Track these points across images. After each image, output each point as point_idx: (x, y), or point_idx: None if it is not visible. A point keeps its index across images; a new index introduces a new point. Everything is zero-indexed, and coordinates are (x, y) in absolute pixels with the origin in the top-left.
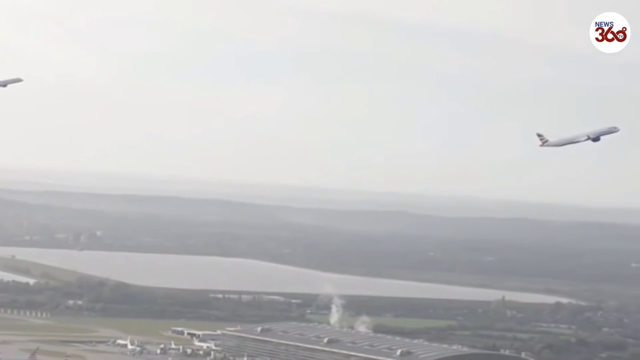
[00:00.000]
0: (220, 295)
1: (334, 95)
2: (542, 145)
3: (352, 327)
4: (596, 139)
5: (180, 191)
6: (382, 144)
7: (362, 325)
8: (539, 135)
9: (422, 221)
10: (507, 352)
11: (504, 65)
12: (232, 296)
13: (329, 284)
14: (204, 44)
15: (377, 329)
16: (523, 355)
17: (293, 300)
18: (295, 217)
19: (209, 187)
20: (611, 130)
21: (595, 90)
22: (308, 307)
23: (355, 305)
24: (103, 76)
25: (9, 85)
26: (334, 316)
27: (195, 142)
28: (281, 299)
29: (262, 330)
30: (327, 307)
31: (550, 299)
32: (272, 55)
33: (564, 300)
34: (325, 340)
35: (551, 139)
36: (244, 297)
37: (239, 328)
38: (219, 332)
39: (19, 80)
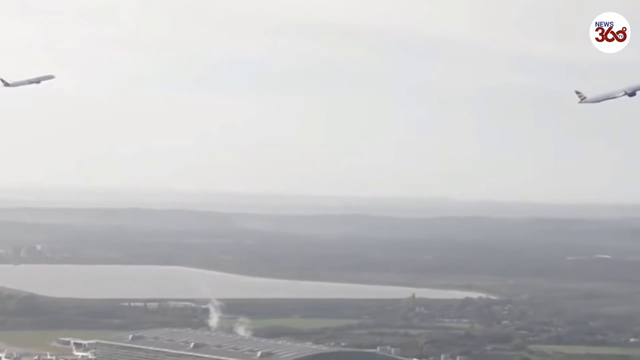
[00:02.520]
0: (126, 304)
1: (303, 105)
2: (580, 102)
3: (232, 330)
4: (632, 94)
5: (145, 203)
6: (347, 150)
7: (241, 327)
8: (577, 92)
9: (380, 224)
10: (378, 350)
11: (470, 71)
12: (138, 304)
13: (251, 288)
14: (182, 58)
15: (275, 331)
16: (391, 351)
17: (203, 306)
18: (252, 224)
19: (176, 198)
20: None
21: (558, 94)
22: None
23: (264, 308)
24: (79, 93)
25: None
26: (214, 320)
27: (165, 154)
28: (192, 305)
29: (133, 338)
30: (233, 312)
31: (462, 295)
32: (243, 69)
33: (476, 295)
34: (192, 345)
35: (589, 95)
36: (150, 305)
37: (113, 336)
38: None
39: (51, 77)
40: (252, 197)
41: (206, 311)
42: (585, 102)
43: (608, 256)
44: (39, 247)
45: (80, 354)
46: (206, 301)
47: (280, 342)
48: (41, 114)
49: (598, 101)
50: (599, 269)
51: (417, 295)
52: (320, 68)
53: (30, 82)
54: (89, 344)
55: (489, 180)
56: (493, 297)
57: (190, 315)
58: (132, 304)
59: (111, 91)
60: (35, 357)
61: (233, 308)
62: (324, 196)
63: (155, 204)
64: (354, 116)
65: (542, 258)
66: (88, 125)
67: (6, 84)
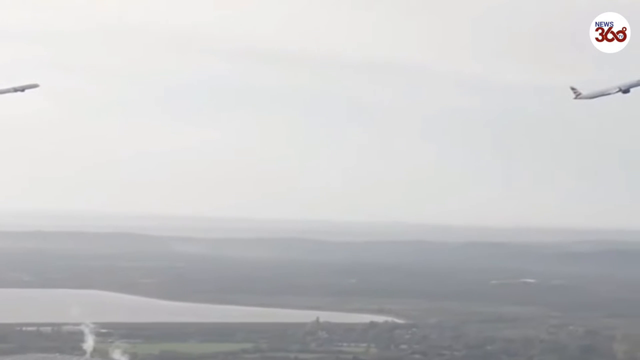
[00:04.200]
0: (19, 328)
1: (250, 129)
2: (575, 98)
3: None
4: (626, 90)
5: (80, 225)
6: (291, 174)
7: (117, 351)
8: (572, 88)
9: (315, 247)
10: None
11: (417, 94)
12: (31, 328)
13: (159, 312)
14: (127, 84)
15: (163, 356)
16: None
17: (102, 330)
18: (187, 247)
19: (114, 221)
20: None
21: (507, 117)
22: (110, 336)
23: (163, 332)
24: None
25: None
26: (89, 344)
27: (106, 177)
28: (84, 329)
29: None
30: (131, 336)
31: (370, 318)
32: (189, 93)
33: (383, 319)
34: None
35: (584, 92)
36: (44, 329)
37: None
38: None
39: (36, 85)
40: (191, 219)
41: (99, 335)
42: (580, 98)
43: (533, 280)
44: None
45: None
46: (105, 325)
47: None
48: None
49: (593, 97)
50: (521, 292)
51: (323, 319)
52: (267, 93)
53: (15, 90)
54: None
55: (435, 203)
56: (399, 321)
57: (80, 340)
58: (25, 328)
59: (59, 113)
60: None
61: (131, 332)
62: (265, 219)
63: (91, 227)
64: (299, 140)
65: (467, 282)
66: (31, 146)
67: None
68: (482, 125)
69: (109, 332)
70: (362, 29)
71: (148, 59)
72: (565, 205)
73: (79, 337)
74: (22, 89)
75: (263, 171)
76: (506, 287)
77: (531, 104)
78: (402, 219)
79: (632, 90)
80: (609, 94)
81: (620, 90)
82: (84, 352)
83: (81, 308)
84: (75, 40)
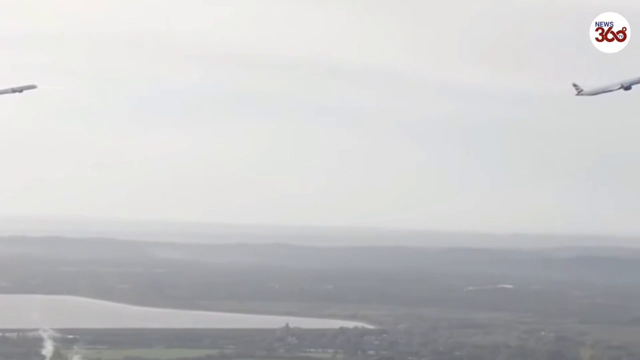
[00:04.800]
0: None
1: (233, 134)
2: (577, 94)
3: None
4: (628, 87)
5: (62, 231)
6: (275, 179)
7: (76, 357)
8: (574, 85)
9: (298, 253)
10: None
11: (401, 100)
12: None
13: (131, 318)
14: (107, 88)
15: None
16: None
17: (69, 336)
18: (168, 253)
19: (96, 227)
20: None
21: (488, 123)
22: (76, 342)
23: (130, 338)
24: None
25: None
26: (49, 350)
27: (87, 183)
28: (57, 335)
29: None
30: (98, 342)
31: (342, 324)
32: (170, 100)
33: (354, 324)
34: None
35: (586, 88)
36: (9, 335)
37: None
38: None
39: (33, 86)
40: (174, 225)
41: (65, 341)
42: (582, 94)
43: (510, 286)
44: None
45: None
46: (73, 331)
47: None
48: None
49: (595, 94)
50: (497, 298)
51: (294, 325)
52: (250, 99)
53: (14, 90)
54: None
55: (417, 209)
56: (370, 327)
57: (41, 345)
58: None
59: (39, 119)
60: None
61: (98, 338)
62: (247, 225)
63: (72, 233)
64: (281, 146)
65: (443, 288)
66: (11, 152)
67: None
68: (466, 132)
69: (75, 338)
70: (346, 35)
71: (126, 65)
72: (548, 212)
73: (39, 342)
74: (20, 90)
75: (246, 177)
76: (483, 293)
77: (514, 111)
78: (384, 224)
79: (633, 87)
80: (611, 90)
81: (622, 87)
82: (43, 358)
83: (51, 314)
84: (57, 46)
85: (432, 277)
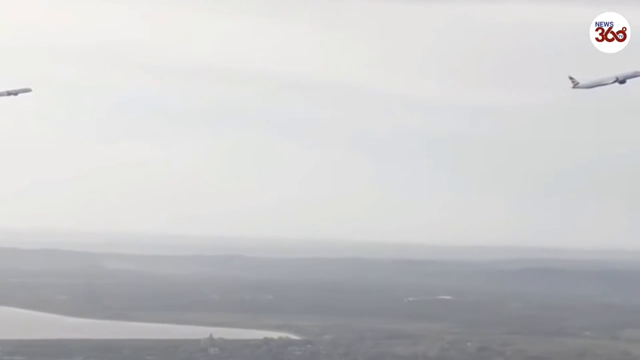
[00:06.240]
0: None
1: (186, 147)
2: (574, 87)
3: None
4: (623, 81)
5: (20, 242)
6: (237, 191)
7: None
8: (570, 78)
9: (252, 264)
10: None
11: (364, 114)
12: None
13: (58, 329)
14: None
15: None
16: None
17: None
18: (120, 264)
19: (48, 238)
20: (636, 74)
21: (450, 137)
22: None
23: (51, 350)
24: None
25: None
26: None
27: (44, 194)
28: None
29: None
30: (14, 353)
31: (270, 334)
32: (125, 111)
33: (277, 335)
34: None
35: (581, 81)
36: None
37: None
38: None
39: (28, 90)
40: (127, 236)
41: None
42: (578, 87)
43: (449, 297)
44: None
45: None
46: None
47: None
48: None
49: (590, 87)
50: (434, 309)
51: (218, 336)
52: (206, 111)
53: (9, 93)
54: None
55: (376, 221)
56: (295, 337)
57: None
58: None
59: None
60: None
61: (17, 349)
62: (205, 236)
63: (18, 243)
64: (242, 158)
65: (384, 298)
66: None
67: None
68: (427, 146)
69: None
70: (308, 50)
71: (84, 75)
72: (500, 225)
73: None
74: (15, 93)
75: (205, 189)
76: (421, 304)
77: (476, 125)
78: (343, 236)
79: (628, 81)
80: (606, 84)
81: (617, 80)
82: None
83: None
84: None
85: (379, 288)
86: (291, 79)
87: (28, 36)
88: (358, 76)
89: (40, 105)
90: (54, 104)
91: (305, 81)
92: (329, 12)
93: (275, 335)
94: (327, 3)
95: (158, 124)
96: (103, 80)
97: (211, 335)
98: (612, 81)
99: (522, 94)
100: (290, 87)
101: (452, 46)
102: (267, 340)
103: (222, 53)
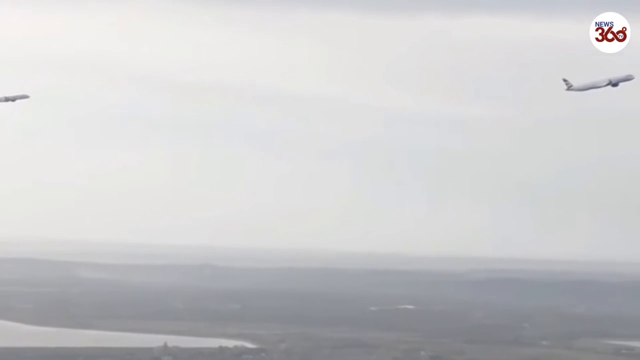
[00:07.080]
0: None
1: (160, 157)
2: (567, 90)
3: None
4: (616, 84)
5: None
6: (208, 201)
7: None
8: (564, 80)
9: (223, 273)
10: None
11: (337, 126)
12: None
13: (14, 337)
14: (41, 108)
15: None
16: None
17: None
18: (93, 273)
19: (21, 247)
20: (628, 78)
21: (418, 149)
22: None
23: (3, 357)
24: None
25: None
26: None
27: (18, 203)
28: None
29: None
30: None
31: (226, 343)
32: (97, 120)
33: (233, 343)
34: None
35: (575, 84)
36: None
37: None
38: None
39: (26, 96)
40: (101, 245)
41: None
42: (572, 89)
43: (411, 306)
44: None
45: None
46: None
47: None
48: None
49: (584, 90)
50: (396, 318)
51: (173, 344)
52: (180, 122)
53: (7, 99)
54: None
55: (349, 231)
56: (250, 346)
57: None
58: None
59: None
60: None
61: None
62: (178, 245)
63: (2, 253)
64: (214, 169)
65: (348, 308)
66: None
67: None
68: (401, 157)
69: None
70: (276, 62)
71: (56, 85)
72: (469, 235)
73: None
74: (13, 99)
75: (178, 199)
76: (384, 313)
77: (450, 138)
78: (316, 246)
79: (620, 84)
80: (599, 87)
81: (610, 83)
82: None
83: None
84: None
85: (345, 298)
86: (265, 91)
87: (6, 48)
88: (333, 89)
89: (18, 115)
90: (29, 113)
91: (278, 93)
92: (304, 25)
93: (231, 343)
94: (301, 16)
95: (129, 134)
96: (80, 89)
97: (165, 343)
98: (605, 84)
99: (496, 107)
100: (264, 99)
101: (430, 59)
102: (221, 349)
103: (195, 64)
